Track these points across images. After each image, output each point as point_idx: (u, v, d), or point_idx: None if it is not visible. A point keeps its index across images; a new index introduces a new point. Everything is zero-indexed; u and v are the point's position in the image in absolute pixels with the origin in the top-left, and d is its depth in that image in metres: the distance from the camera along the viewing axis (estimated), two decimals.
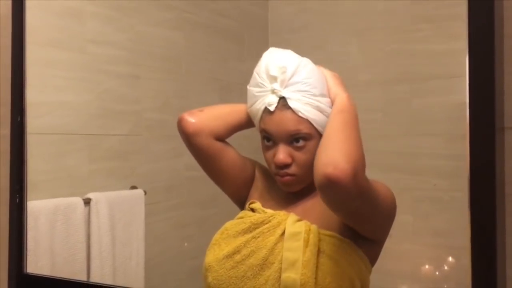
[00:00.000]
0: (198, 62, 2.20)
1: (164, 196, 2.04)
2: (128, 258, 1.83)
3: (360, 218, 1.04)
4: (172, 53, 2.11)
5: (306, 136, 1.08)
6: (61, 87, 1.74)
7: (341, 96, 1.08)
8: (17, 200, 1.57)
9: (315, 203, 1.13)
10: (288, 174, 1.11)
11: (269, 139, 1.12)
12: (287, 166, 1.10)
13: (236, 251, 1.09)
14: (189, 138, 1.19)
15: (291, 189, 1.14)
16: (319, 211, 1.11)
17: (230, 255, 1.09)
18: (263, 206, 1.16)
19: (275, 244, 1.06)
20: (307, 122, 1.08)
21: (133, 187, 1.91)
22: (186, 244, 2.11)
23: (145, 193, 1.91)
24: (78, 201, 1.71)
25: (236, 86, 2.28)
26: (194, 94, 2.18)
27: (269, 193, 1.21)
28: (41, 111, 1.68)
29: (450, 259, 2.02)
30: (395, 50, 2.18)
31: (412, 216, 2.06)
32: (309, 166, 1.08)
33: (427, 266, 2.06)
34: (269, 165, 1.15)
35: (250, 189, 1.24)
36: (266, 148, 1.14)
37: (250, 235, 1.10)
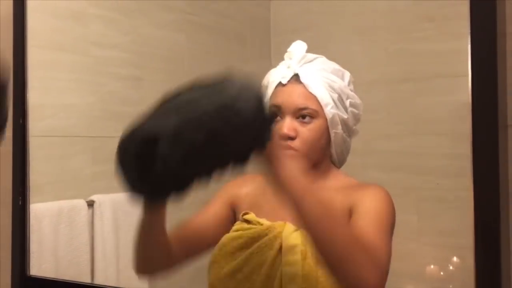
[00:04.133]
0: (201, 63, 2.20)
1: None
2: (132, 261, 1.83)
3: None
4: (175, 54, 2.11)
5: (313, 113, 1.08)
6: (64, 90, 1.74)
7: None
8: (20, 202, 1.57)
9: None
10: (291, 148, 1.08)
11: (276, 115, 1.11)
12: (291, 139, 1.08)
13: (237, 270, 1.08)
14: (160, 275, 1.19)
15: None
16: None
17: (231, 274, 1.08)
18: (257, 215, 1.13)
19: (274, 259, 1.05)
20: (316, 100, 1.08)
21: None
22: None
23: None
24: (82, 203, 1.71)
25: None
26: None
27: (261, 200, 1.18)
28: (45, 113, 1.68)
29: (455, 259, 2.00)
30: (398, 49, 2.18)
31: (416, 216, 2.05)
32: (313, 145, 1.09)
33: (432, 266, 2.05)
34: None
35: (236, 210, 1.19)
36: None
37: (249, 251, 1.08)
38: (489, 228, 0.97)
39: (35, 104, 1.63)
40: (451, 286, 2.06)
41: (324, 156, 1.15)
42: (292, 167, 0.88)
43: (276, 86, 1.12)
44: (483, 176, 0.98)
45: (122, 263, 1.79)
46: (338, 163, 1.20)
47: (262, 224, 1.11)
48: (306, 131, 1.08)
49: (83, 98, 1.78)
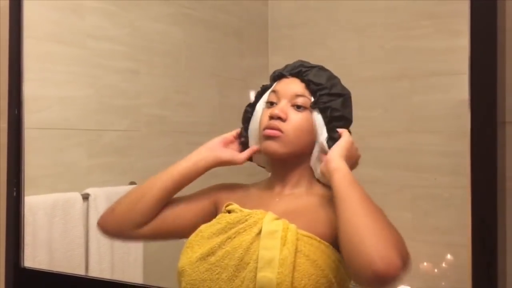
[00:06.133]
0: (198, 57, 2.20)
1: None
2: (126, 254, 1.83)
3: None
4: (172, 48, 2.11)
5: (306, 103, 1.12)
6: (60, 82, 1.73)
7: (343, 169, 1.03)
8: (14, 193, 1.57)
9: (298, 206, 1.11)
10: (278, 128, 1.10)
11: (273, 103, 1.14)
12: (281, 120, 1.10)
13: (210, 253, 1.04)
14: (118, 238, 1.25)
15: (273, 149, 1.11)
16: (301, 214, 1.08)
17: (204, 257, 1.05)
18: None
19: (251, 243, 1.02)
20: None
21: (132, 183, 1.90)
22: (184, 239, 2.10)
23: None
24: (77, 196, 1.70)
25: (235, 82, 2.27)
26: (193, 89, 2.17)
27: (246, 198, 1.17)
28: (40, 105, 1.67)
29: (449, 256, 2.01)
30: (395, 46, 2.18)
31: (411, 213, 2.06)
32: (298, 133, 1.11)
33: (425, 263, 2.06)
34: (262, 124, 1.13)
35: (217, 212, 1.18)
36: (266, 109, 1.15)
37: (225, 235, 1.05)
38: (486, 225, 0.97)
39: (31, 96, 1.62)
40: (443, 283, 2.07)
41: (306, 159, 1.14)
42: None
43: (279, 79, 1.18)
44: (481, 173, 0.98)
45: (116, 256, 1.79)
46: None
47: (243, 212, 1.09)
48: (297, 118, 1.11)
49: (79, 90, 1.78)
